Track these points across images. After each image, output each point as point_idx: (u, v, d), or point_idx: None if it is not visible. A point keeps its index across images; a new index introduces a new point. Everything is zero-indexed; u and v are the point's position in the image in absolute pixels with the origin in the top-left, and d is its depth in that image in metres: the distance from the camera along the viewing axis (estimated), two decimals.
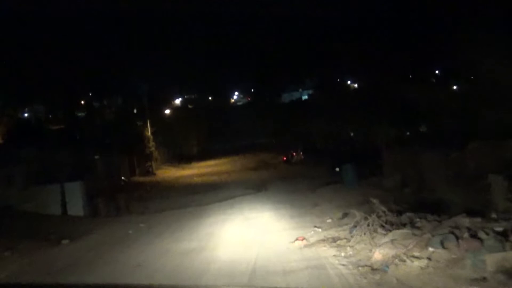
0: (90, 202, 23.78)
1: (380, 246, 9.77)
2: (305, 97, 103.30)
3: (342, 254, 10.76)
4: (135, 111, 50.33)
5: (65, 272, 12.09)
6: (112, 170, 38.78)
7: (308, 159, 39.41)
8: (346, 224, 13.10)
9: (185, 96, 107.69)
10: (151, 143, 46.87)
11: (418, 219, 10.95)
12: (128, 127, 45.89)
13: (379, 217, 11.16)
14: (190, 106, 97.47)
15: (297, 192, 24.14)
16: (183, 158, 58.13)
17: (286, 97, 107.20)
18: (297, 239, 12.65)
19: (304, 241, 12.41)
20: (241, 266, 10.89)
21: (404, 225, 10.70)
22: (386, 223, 10.92)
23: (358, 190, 20.89)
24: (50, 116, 79.78)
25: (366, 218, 11.38)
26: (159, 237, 15.73)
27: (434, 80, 61.96)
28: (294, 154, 42.81)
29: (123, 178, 36.92)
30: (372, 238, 10.55)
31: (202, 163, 55.28)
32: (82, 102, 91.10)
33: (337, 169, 26.90)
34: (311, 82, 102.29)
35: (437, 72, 62.39)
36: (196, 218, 19.18)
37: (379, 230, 10.75)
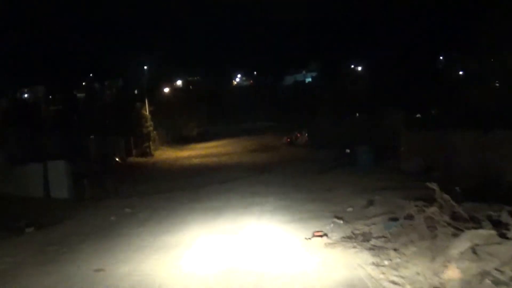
0: (77, 183, 21.32)
1: (452, 255, 6.44)
2: (308, 79, 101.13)
3: (385, 262, 7.68)
4: (136, 92, 47.66)
5: None
6: (107, 150, 36.76)
7: (314, 141, 36.79)
8: (375, 216, 10.46)
9: (188, 78, 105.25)
10: (149, 123, 44.43)
11: (494, 213, 7.45)
12: (127, 107, 43.39)
13: (441, 208, 7.61)
14: (191, 87, 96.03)
15: (305, 175, 21.81)
16: (182, 139, 55.70)
17: (289, 80, 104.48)
18: (314, 235, 9.95)
19: (325, 238, 9.66)
20: (238, 280, 8.00)
21: (478, 222, 7.26)
22: (453, 218, 7.39)
23: (374, 174, 18.50)
24: (50, 97, 78.09)
25: (421, 210, 7.88)
26: (142, 226, 13.28)
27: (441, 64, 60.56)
28: (299, 135, 40.28)
29: (117, 159, 34.38)
30: (433, 240, 7.23)
31: (202, 145, 52.91)
32: (84, 83, 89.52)
33: (348, 150, 24.45)
34: (314, 64, 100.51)
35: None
36: (191, 202, 16.81)
37: (441, 228, 7.26)
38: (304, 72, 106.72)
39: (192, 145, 53.13)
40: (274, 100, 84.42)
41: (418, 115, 41.06)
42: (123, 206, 16.68)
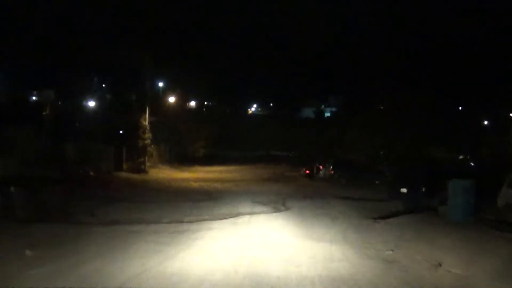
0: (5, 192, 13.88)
1: None
2: (327, 114, 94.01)
3: None
4: (134, 98, 40.02)
5: None
6: (89, 159, 29.60)
7: (341, 175, 29.09)
8: None
9: (204, 103, 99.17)
10: (147, 135, 36.91)
11: None
12: (122, 114, 36.02)
13: None
14: (204, 110, 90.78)
15: (341, 220, 14.22)
16: (187, 159, 48.02)
17: (307, 112, 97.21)
18: None
19: None
20: None
21: None
22: None
23: (478, 231, 10.52)
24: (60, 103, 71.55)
25: None
26: None
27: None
28: (321, 167, 32.41)
29: (91, 172, 27.22)
30: None
31: (208, 168, 45.22)
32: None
33: (404, 190, 16.67)
34: (335, 99, 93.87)
35: None
36: (163, 248, 9.23)
37: None
38: (323, 106, 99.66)
39: (197, 167, 45.45)
40: (290, 131, 77.55)
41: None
42: (40, 239, 8.94)
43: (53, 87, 56.42)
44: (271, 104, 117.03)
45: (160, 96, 40.28)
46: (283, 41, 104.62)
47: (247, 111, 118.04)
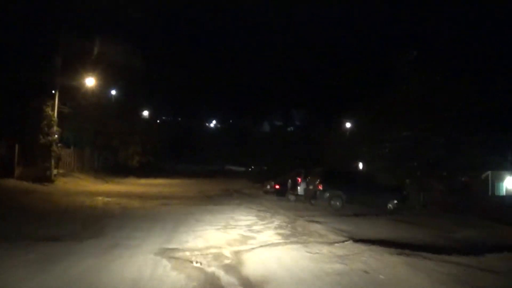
0: None
1: None
2: (290, 128, 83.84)
3: None
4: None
5: None
6: None
7: (334, 194, 18.29)
8: None
9: (162, 118, 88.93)
10: (56, 128, 25.26)
11: None
12: (15, 98, 24.34)
13: None
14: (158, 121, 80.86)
15: None
16: (121, 169, 36.02)
17: (267, 127, 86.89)
18: None
19: None
20: None
21: None
22: None
23: None
24: None
25: None
26: None
27: None
28: (299, 180, 21.27)
29: None
30: None
31: (145, 181, 34.05)
32: None
33: None
34: (298, 114, 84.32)
35: None
36: None
37: None
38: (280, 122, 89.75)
39: (130, 179, 34.02)
40: (250, 145, 67.58)
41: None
42: None
43: None
44: (231, 121, 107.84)
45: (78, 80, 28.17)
46: (241, 54, 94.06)
47: (204, 125, 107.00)
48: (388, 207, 18.89)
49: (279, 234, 11.35)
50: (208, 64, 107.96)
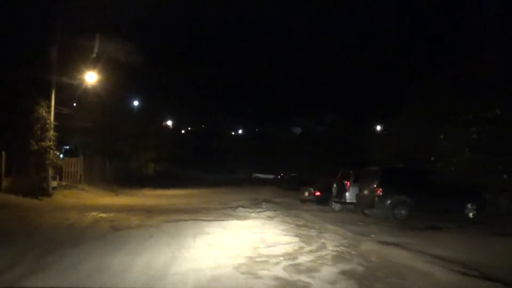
0: None
1: None
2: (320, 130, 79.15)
3: None
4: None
5: None
6: None
7: (399, 200, 13.36)
8: None
9: (188, 128, 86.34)
10: (51, 133, 21.07)
11: None
12: (4, 99, 20.37)
13: None
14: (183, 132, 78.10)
15: None
16: (134, 179, 31.63)
17: (294, 132, 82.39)
18: None
19: None
20: None
21: None
22: None
23: None
24: None
25: None
26: None
27: None
28: (348, 184, 16.23)
29: None
30: None
31: (159, 191, 29.40)
32: None
33: None
34: (327, 116, 79.53)
35: None
36: None
37: None
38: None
39: (145, 191, 29.71)
40: (277, 152, 63.29)
41: None
42: None
43: None
44: (256, 129, 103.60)
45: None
46: (266, 59, 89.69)
47: (229, 133, 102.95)
48: (467, 214, 14.00)
49: (346, 274, 6.59)
50: (232, 72, 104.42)
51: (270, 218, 14.45)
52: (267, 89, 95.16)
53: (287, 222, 13.29)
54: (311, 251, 8.39)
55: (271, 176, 50.04)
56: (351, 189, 16.28)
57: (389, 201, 13.58)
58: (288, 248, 8.62)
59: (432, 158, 22.50)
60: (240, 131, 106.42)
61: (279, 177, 46.44)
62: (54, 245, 8.51)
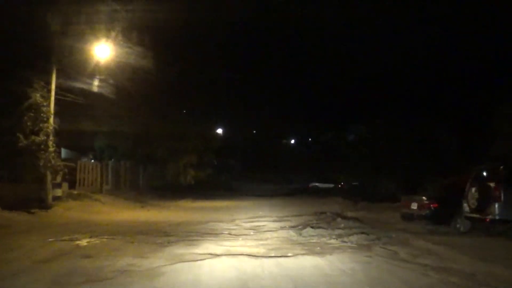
0: None
1: None
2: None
3: None
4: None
5: None
6: None
7: None
8: None
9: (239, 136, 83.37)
10: (49, 125, 15.51)
11: None
12: None
13: None
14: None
15: None
16: (170, 188, 25.80)
17: (350, 138, 76.31)
18: None
19: None
20: None
21: None
22: None
23: None
24: None
25: None
26: None
27: None
28: (497, 190, 9.09)
29: None
30: None
31: (199, 203, 23.48)
32: None
33: None
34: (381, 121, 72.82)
35: None
36: None
37: None
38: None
39: (182, 202, 23.54)
40: (335, 160, 57.21)
41: None
42: None
43: None
44: (309, 139, 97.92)
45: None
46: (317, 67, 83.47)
47: (281, 141, 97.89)
48: None
49: None
50: (286, 80, 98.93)
51: (366, 247, 8.09)
52: (319, 97, 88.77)
53: (404, 260, 6.92)
54: None
55: (331, 185, 44.14)
56: (504, 195, 9.17)
57: None
58: None
59: None
60: (292, 141, 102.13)
61: (339, 186, 41.07)
62: None
